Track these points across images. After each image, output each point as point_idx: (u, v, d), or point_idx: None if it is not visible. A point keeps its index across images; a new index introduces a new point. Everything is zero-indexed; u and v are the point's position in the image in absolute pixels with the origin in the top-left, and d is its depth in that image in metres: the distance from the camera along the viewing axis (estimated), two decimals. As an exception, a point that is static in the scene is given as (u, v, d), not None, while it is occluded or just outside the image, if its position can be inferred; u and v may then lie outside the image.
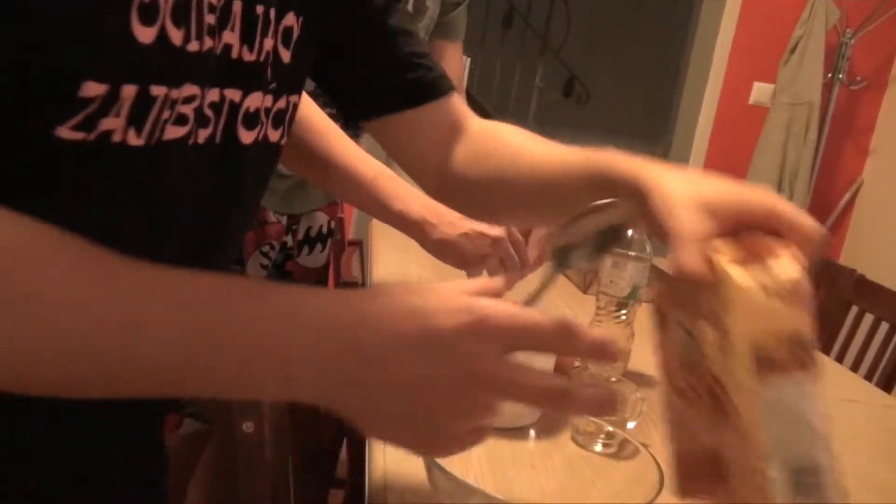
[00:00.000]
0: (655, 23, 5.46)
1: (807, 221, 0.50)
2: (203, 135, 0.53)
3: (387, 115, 0.75)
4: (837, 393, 1.30)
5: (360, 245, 1.99)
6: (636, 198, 0.54)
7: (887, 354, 1.91)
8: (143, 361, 0.41)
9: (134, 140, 0.47)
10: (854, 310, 2.10)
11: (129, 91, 0.45)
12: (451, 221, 1.09)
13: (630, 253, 1.12)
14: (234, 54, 0.54)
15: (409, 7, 1.32)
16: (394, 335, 0.41)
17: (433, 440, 0.44)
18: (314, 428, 1.49)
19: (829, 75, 3.17)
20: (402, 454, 0.83)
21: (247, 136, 0.58)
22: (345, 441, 1.76)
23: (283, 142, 0.64)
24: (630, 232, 1.13)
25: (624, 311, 1.13)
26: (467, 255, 1.09)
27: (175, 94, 0.49)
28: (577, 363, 1.15)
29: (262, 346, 0.41)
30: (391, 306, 0.42)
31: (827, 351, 1.90)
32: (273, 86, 0.59)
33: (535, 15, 5.49)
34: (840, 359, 1.99)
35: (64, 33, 0.42)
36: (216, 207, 0.59)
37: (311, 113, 0.78)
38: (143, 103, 0.47)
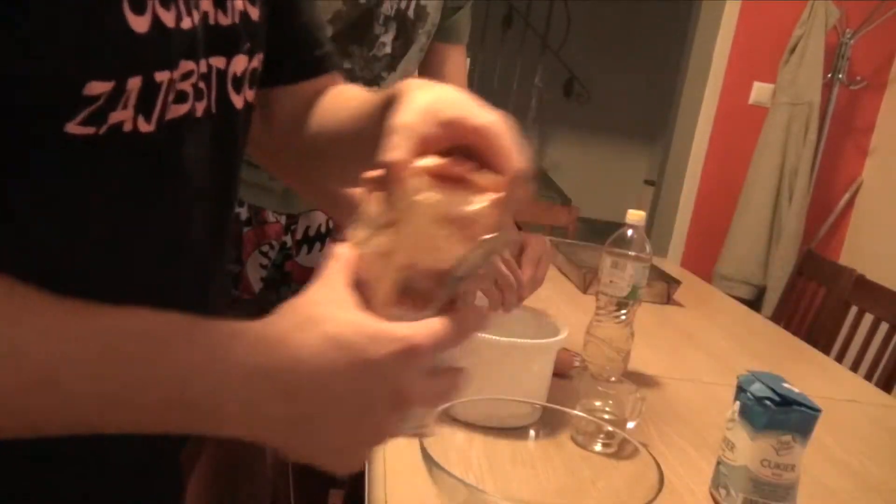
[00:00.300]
0: (655, 23, 5.46)
1: (512, 152, 0.49)
2: (200, 108, 0.54)
3: (268, 87, 0.72)
4: (837, 393, 1.29)
5: (359, 245, 1.98)
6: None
7: (887, 354, 1.91)
8: (62, 414, 0.43)
9: (144, 127, 0.48)
10: (854, 310, 2.11)
11: (134, 83, 0.46)
12: None
13: (630, 253, 1.12)
14: (212, 20, 0.54)
15: (410, 13, 1.31)
16: (330, 371, 0.44)
17: (354, 457, 0.48)
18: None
19: (829, 75, 3.17)
20: (403, 454, 0.83)
21: (238, 101, 0.59)
22: (345, 441, 1.76)
23: (254, 100, 0.64)
24: (630, 232, 1.13)
25: (623, 311, 1.13)
26: None
27: (175, 74, 0.49)
28: (576, 363, 1.15)
29: (189, 394, 0.44)
30: (322, 342, 0.44)
31: (827, 351, 1.90)
32: (248, 46, 0.59)
33: (535, 15, 5.50)
34: (840, 359, 1.99)
35: (63, 38, 0.42)
36: (221, 178, 0.60)
37: None
38: (149, 91, 0.47)
